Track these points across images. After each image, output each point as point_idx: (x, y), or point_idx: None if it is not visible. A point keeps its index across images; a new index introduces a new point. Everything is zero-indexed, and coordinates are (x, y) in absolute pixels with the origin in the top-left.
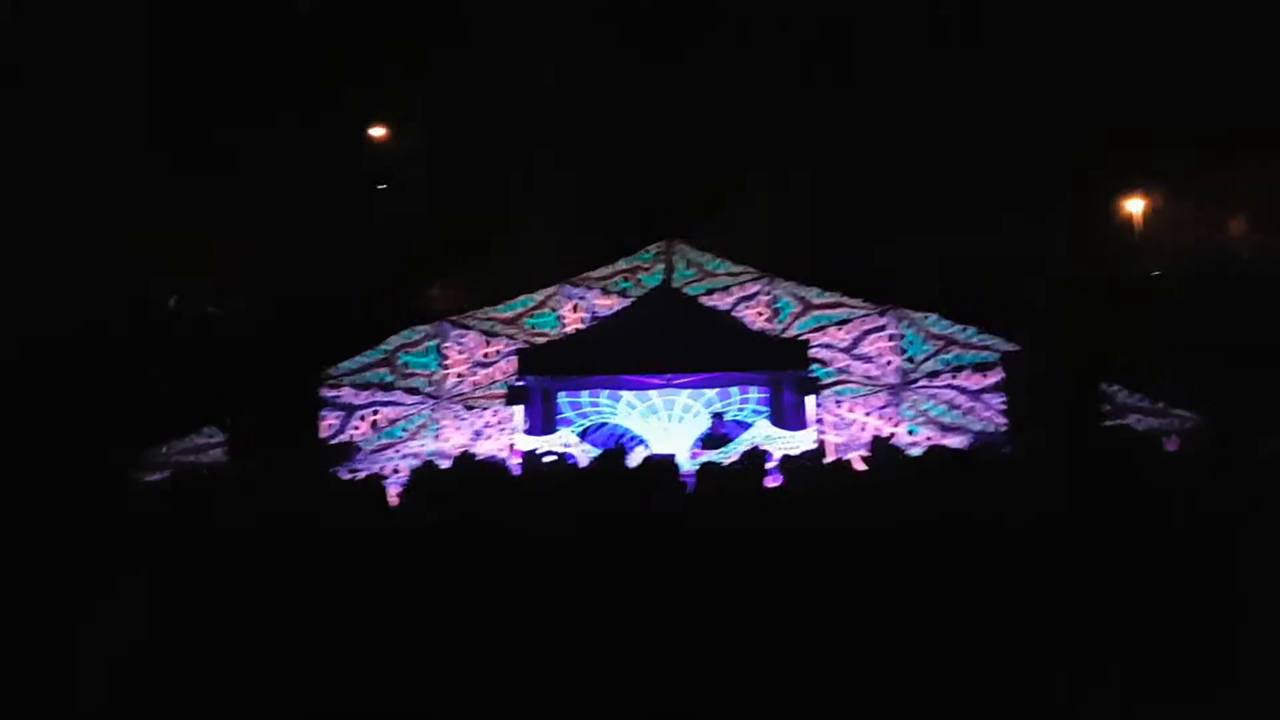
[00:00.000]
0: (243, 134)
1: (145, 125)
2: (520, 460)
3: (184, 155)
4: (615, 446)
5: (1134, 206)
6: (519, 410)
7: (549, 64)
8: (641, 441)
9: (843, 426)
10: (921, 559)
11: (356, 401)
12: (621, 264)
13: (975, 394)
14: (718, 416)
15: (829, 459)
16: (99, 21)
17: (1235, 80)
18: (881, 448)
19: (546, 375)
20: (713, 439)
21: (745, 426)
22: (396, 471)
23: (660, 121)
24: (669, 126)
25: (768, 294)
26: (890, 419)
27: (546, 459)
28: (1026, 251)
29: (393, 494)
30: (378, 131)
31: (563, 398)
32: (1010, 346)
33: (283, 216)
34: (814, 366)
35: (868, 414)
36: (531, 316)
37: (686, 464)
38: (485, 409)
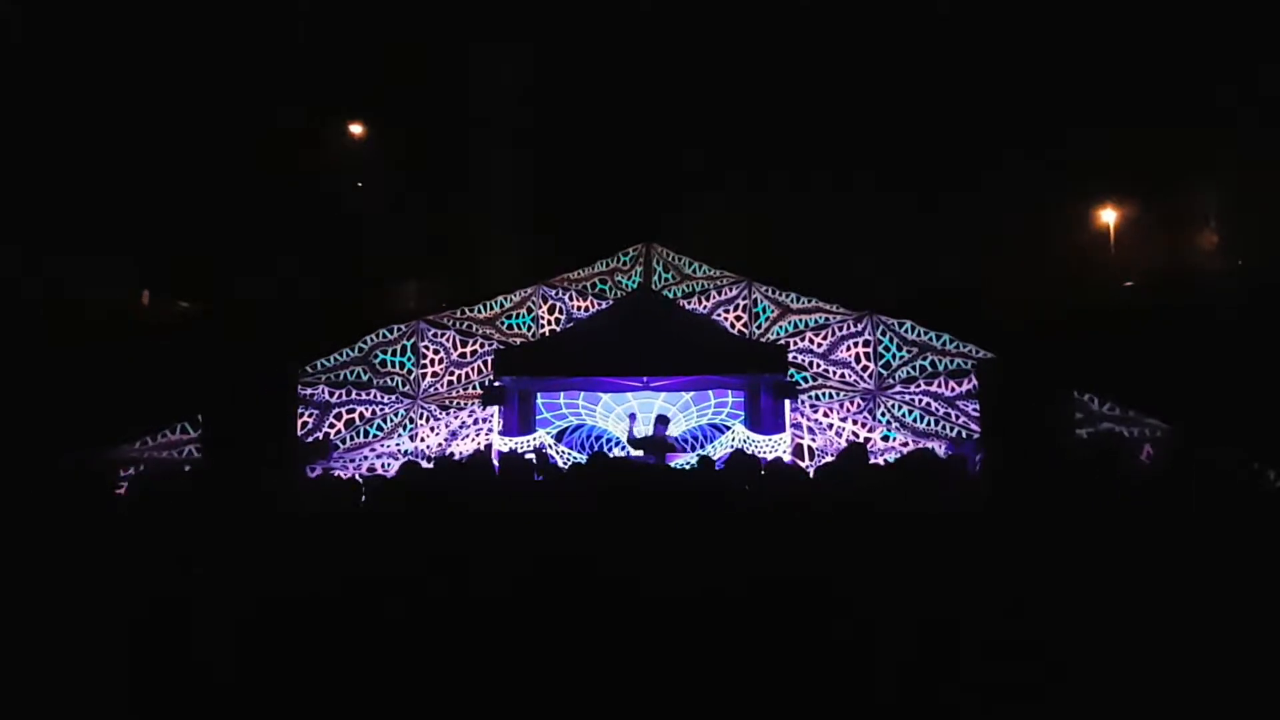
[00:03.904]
0: (216, 131)
1: (116, 121)
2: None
3: (157, 152)
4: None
5: (1108, 217)
6: (495, 410)
7: (527, 65)
8: (619, 444)
9: (819, 431)
10: (897, 560)
11: (332, 399)
12: (599, 266)
13: (949, 400)
14: (662, 420)
15: (806, 463)
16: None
17: (1201, 89)
18: (856, 452)
19: (523, 376)
20: (651, 442)
21: (722, 430)
22: (372, 470)
23: (639, 124)
24: (648, 129)
25: (745, 298)
26: (865, 424)
27: (528, 456)
28: (1001, 260)
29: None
30: (355, 129)
31: (540, 399)
32: (984, 354)
33: (262, 214)
34: (791, 371)
35: (843, 419)
36: (508, 317)
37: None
38: (461, 409)
